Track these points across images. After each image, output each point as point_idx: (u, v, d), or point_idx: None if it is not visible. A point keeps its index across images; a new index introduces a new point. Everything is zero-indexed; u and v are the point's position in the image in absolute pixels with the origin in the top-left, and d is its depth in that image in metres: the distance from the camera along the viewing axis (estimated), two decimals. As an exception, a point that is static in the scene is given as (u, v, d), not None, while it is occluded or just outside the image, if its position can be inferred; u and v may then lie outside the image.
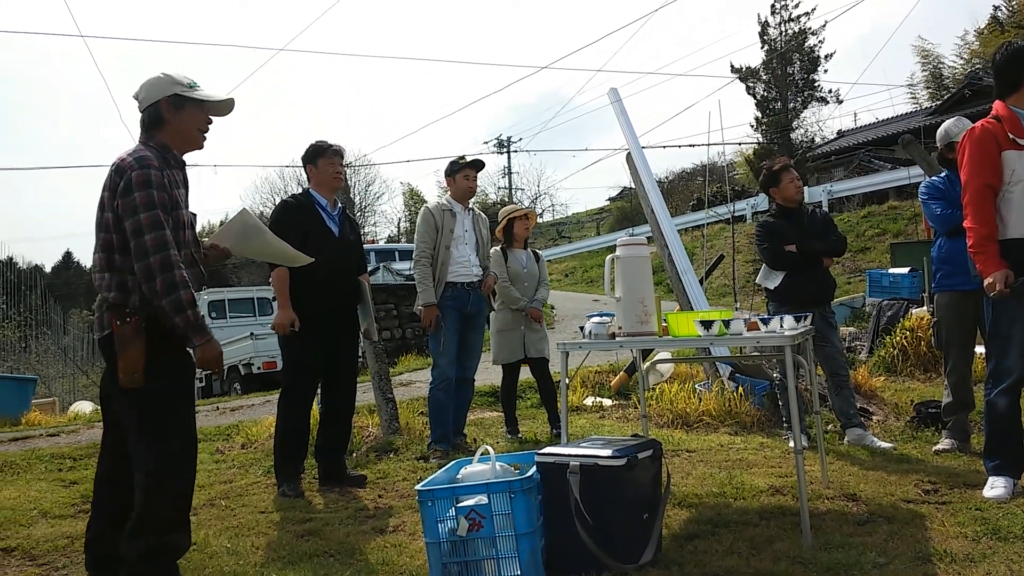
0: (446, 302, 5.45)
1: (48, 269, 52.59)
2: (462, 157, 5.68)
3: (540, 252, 6.37)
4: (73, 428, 8.43)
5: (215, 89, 3.17)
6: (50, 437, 7.70)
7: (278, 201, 6.66)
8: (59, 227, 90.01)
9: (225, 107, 3.17)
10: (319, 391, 4.92)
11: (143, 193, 2.83)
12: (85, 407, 12.81)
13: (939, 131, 4.96)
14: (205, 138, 3.16)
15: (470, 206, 5.76)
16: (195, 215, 3.32)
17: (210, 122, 3.15)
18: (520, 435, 5.90)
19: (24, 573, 3.44)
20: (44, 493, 5.02)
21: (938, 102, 24.15)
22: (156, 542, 2.90)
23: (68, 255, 58.87)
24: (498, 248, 6.10)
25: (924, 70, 28.18)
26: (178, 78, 3.07)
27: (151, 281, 2.81)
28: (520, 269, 6.00)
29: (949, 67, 27.65)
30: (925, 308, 7.90)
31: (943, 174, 4.89)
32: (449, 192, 5.78)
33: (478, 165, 5.76)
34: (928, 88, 28.31)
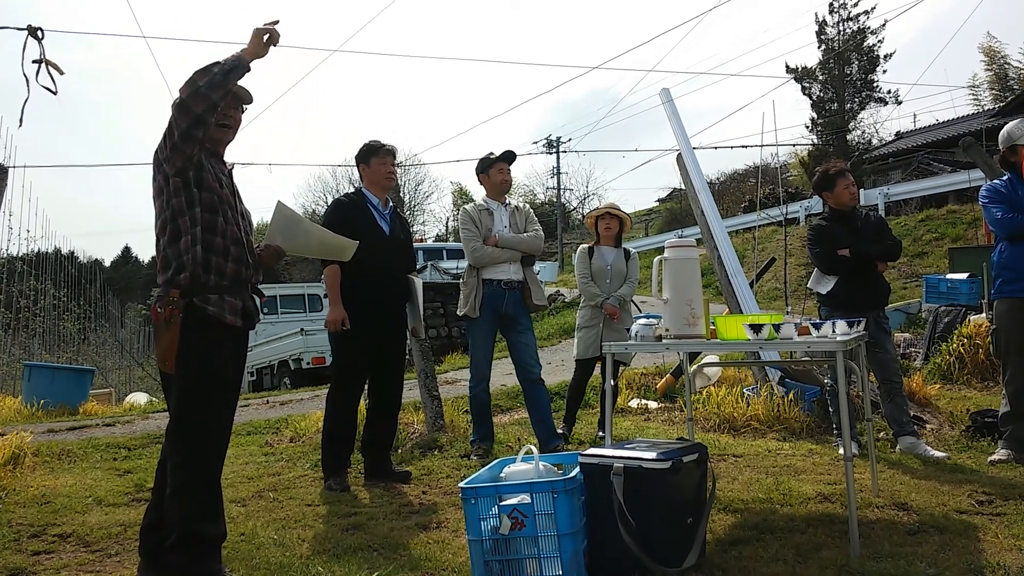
0: (482, 300, 5.37)
1: (107, 263, 54.01)
2: (491, 154, 5.58)
3: (633, 251, 6.29)
4: (128, 418, 8.62)
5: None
6: (106, 427, 7.89)
7: (330, 200, 6.72)
8: (119, 222, 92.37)
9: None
10: (366, 387, 4.97)
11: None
12: (140, 398, 13.10)
13: (1002, 133, 4.84)
14: (225, 125, 3.21)
15: (507, 201, 5.66)
16: (248, 212, 3.42)
17: (227, 114, 3.19)
18: (562, 432, 5.85)
19: (78, 559, 3.54)
20: (99, 481, 5.15)
21: (1002, 103, 23.48)
22: (185, 530, 2.99)
23: (127, 250, 60.44)
24: (585, 246, 6.12)
25: (989, 70, 27.44)
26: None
27: (196, 95, 2.90)
28: (604, 266, 5.98)
29: (1015, 67, 26.89)
30: (984, 315, 7.70)
31: (1005, 177, 4.77)
32: (485, 191, 5.66)
33: (510, 157, 5.58)
34: (992, 89, 27.56)
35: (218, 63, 2.97)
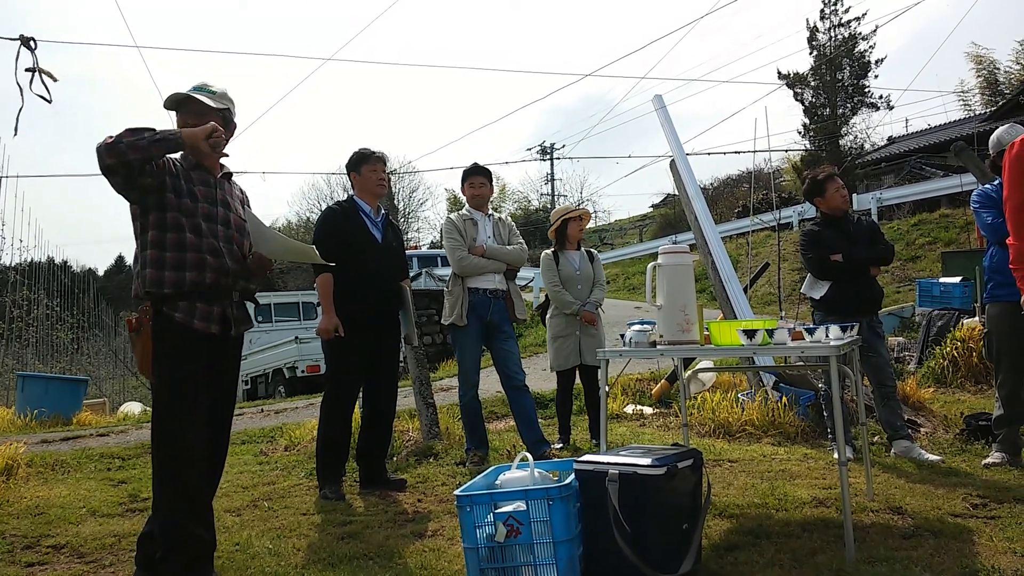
0: (468, 309, 5.37)
1: (101, 273, 53.82)
2: (473, 166, 5.65)
3: (595, 251, 6.24)
4: (122, 428, 8.60)
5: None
6: (100, 437, 7.86)
7: (324, 207, 6.72)
8: (112, 231, 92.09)
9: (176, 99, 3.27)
10: (361, 395, 4.97)
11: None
12: (134, 408, 13.06)
13: (992, 138, 4.86)
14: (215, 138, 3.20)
15: (490, 212, 5.69)
16: (244, 220, 3.43)
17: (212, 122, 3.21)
18: (561, 445, 5.84)
19: (72, 570, 3.52)
20: (93, 492, 5.13)
21: (993, 108, 23.57)
22: (169, 542, 3.00)
23: (120, 259, 60.13)
24: (549, 252, 6.04)
25: (979, 76, 27.55)
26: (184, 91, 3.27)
27: (113, 148, 2.90)
28: (573, 271, 5.91)
29: (1005, 72, 27.00)
30: (977, 318, 7.72)
31: (996, 182, 4.79)
32: (466, 202, 5.72)
33: (479, 171, 5.63)
34: (983, 94, 27.67)
35: (152, 130, 2.98)
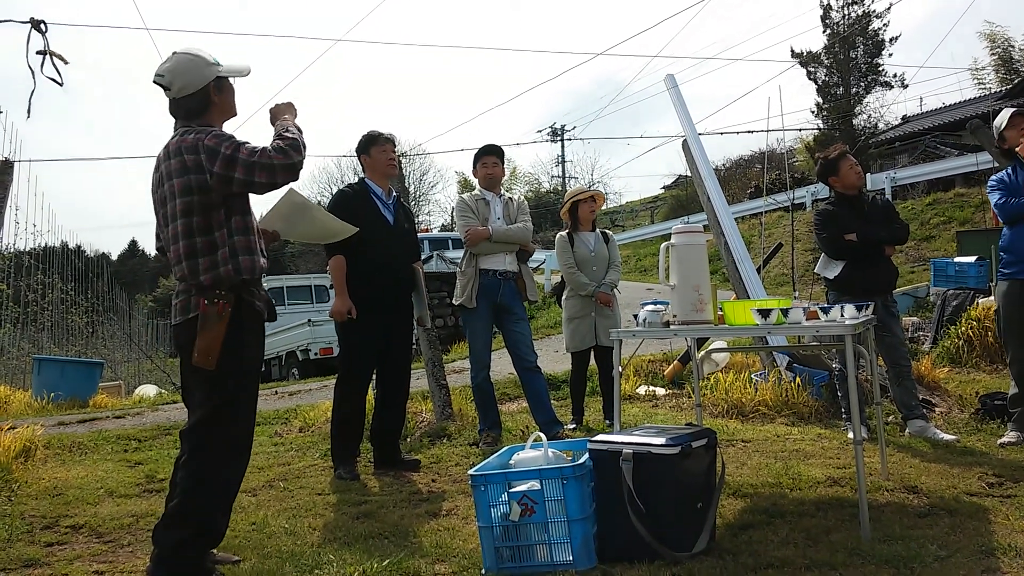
0: (477, 290, 5.37)
1: (114, 257, 54.08)
2: (487, 145, 5.62)
3: (610, 232, 6.22)
4: (138, 411, 8.66)
5: (238, 63, 3.24)
6: (116, 419, 7.92)
7: (335, 190, 6.71)
8: (125, 216, 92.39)
9: (243, 73, 3.25)
10: (374, 377, 4.99)
11: (226, 143, 2.93)
12: (149, 390, 13.15)
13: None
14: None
15: (502, 192, 5.67)
16: None
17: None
18: (574, 426, 5.85)
19: (91, 549, 3.56)
20: (110, 473, 5.18)
21: (1008, 86, 23.29)
22: (196, 530, 2.95)
23: (133, 243, 60.46)
24: (563, 233, 6.02)
25: (993, 54, 27.20)
26: (210, 59, 3.09)
27: (275, 162, 2.91)
28: (587, 253, 5.89)
29: (1020, 50, 26.63)
30: (992, 298, 7.67)
31: (1009, 168, 4.80)
32: (478, 182, 5.71)
33: (492, 150, 5.61)
34: (998, 72, 27.33)
35: (297, 136, 3.02)
